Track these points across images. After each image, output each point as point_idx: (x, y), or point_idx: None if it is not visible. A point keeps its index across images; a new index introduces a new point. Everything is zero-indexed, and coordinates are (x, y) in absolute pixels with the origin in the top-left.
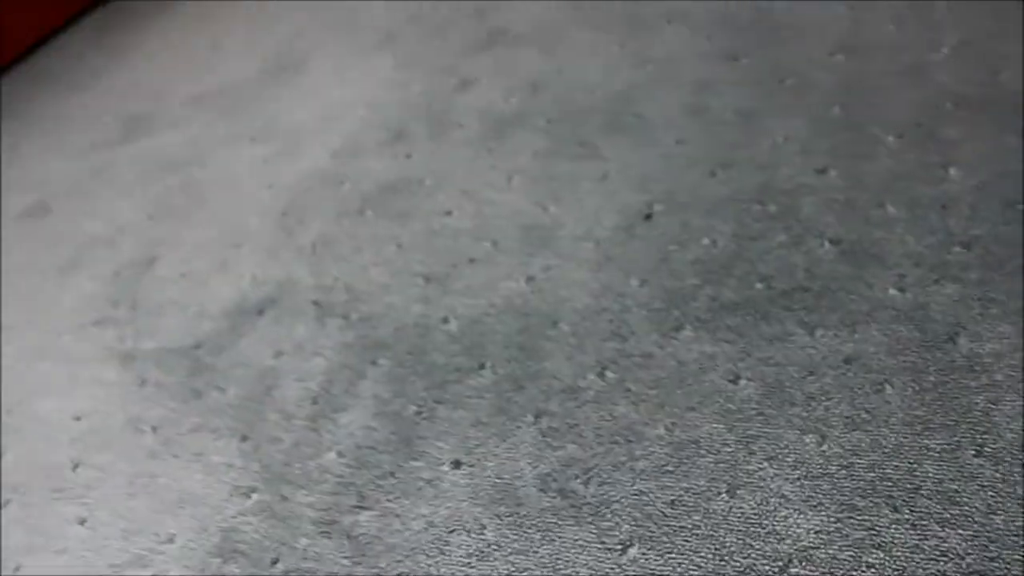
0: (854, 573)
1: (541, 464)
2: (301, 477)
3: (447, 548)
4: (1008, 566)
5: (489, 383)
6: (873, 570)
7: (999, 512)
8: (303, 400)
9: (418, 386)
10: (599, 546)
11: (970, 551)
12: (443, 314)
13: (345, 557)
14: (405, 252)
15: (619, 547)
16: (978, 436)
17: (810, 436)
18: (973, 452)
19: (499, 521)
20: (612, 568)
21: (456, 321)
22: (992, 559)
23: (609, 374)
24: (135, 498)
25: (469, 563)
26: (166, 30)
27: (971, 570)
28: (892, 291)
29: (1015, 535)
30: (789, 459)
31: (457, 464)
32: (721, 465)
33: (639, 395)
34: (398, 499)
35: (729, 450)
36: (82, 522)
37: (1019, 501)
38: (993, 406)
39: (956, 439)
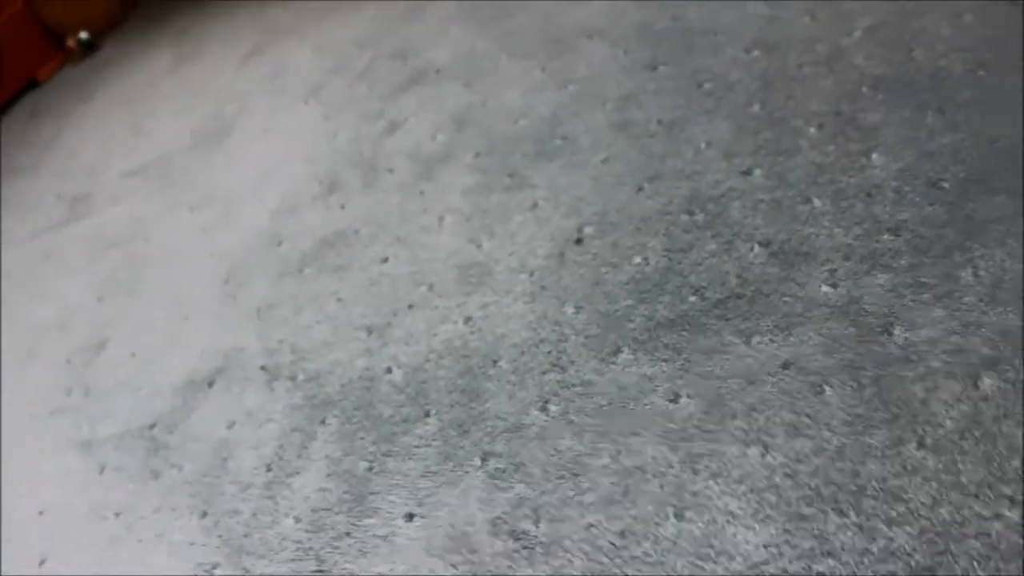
0: None
1: (491, 507)
2: (261, 547)
3: None
4: (955, 559)
5: (435, 430)
6: None
7: (944, 504)
8: (258, 468)
9: (367, 441)
10: None
11: (918, 548)
12: (386, 364)
13: None
14: (346, 306)
15: None
16: (919, 427)
17: (753, 448)
18: (915, 445)
19: (455, 571)
20: None
21: (399, 370)
22: (940, 553)
23: (551, 407)
24: None
25: None
26: (95, 111)
27: (920, 567)
28: (824, 288)
29: (961, 525)
30: (734, 474)
31: (410, 517)
32: (667, 488)
33: (582, 425)
34: (356, 559)
35: (674, 472)
36: None
37: (961, 490)
38: (931, 394)
39: (897, 433)
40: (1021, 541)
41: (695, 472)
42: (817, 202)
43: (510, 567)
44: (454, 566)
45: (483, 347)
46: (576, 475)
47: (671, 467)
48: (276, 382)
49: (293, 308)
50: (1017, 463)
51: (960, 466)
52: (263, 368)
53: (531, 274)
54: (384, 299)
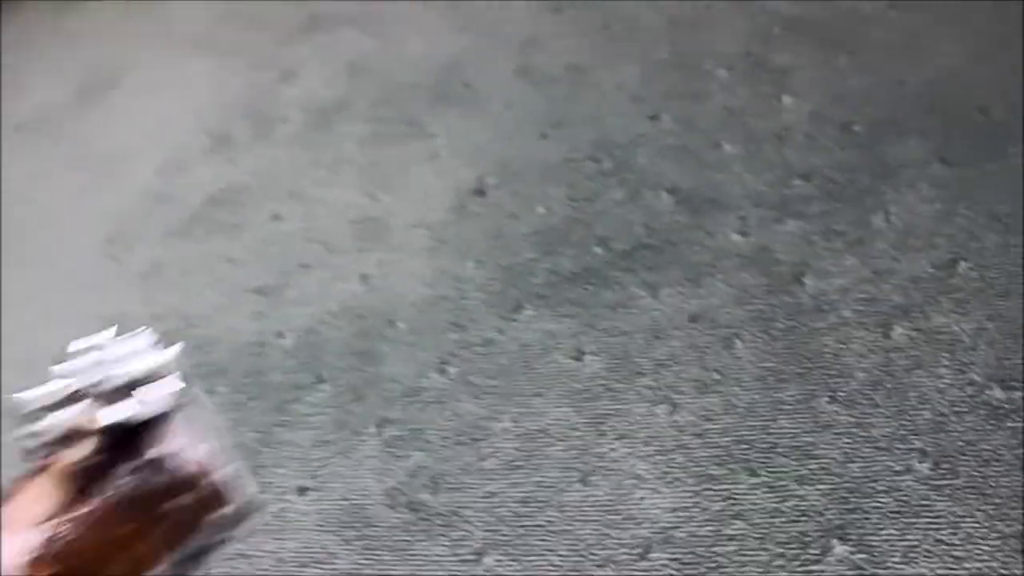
0: (716, 549)
1: (387, 477)
2: None
3: None
4: (867, 515)
5: (329, 397)
6: (734, 542)
7: (856, 459)
8: None
9: (257, 410)
10: (453, 559)
11: (829, 506)
12: (278, 328)
13: None
14: (237, 267)
15: (473, 557)
16: (831, 381)
17: (661, 407)
18: (827, 399)
19: (350, 547)
20: None
21: (291, 335)
22: (851, 511)
23: (450, 369)
24: None
25: None
26: None
27: (832, 525)
28: (734, 236)
29: (871, 481)
30: (641, 435)
31: (302, 490)
32: (572, 452)
33: (482, 388)
34: (245, 538)
35: (579, 434)
36: None
37: (873, 444)
38: (843, 345)
39: (809, 388)
40: (931, 495)
41: (601, 434)
42: (727, 147)
43: (407, 540)
44: (348, 542)
45: (380, 307)
46: (476, 440)
47: (575, 429)
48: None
49: (181, 271)
50: (928, 414)
51: (872, 420)
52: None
53: (430, 228)
54: (277, 259)
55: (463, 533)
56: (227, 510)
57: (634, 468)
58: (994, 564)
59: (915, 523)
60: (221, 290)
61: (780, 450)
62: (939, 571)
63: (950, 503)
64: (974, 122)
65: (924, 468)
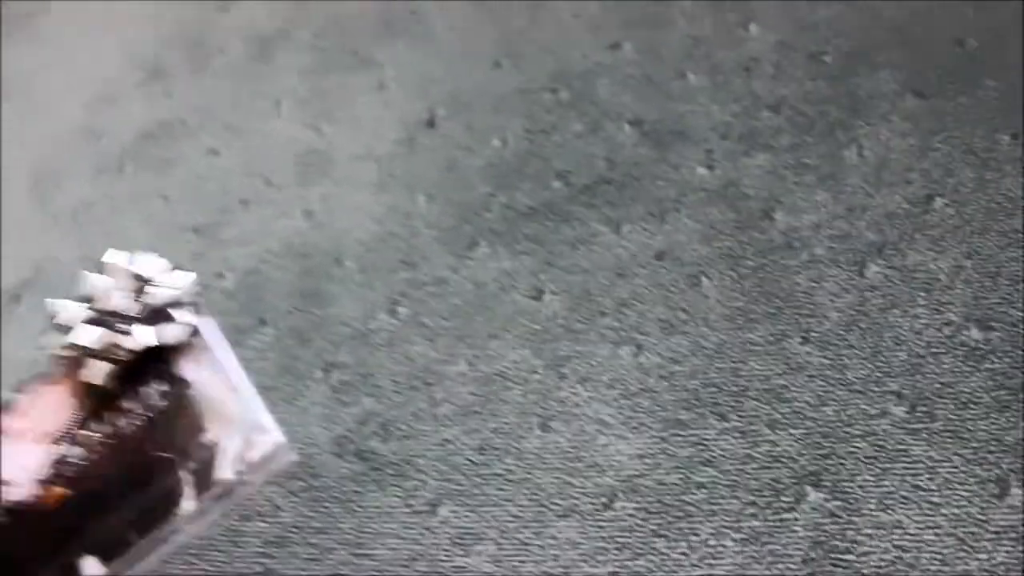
0: (685, 497)
1: (335, 425)
2: None
3: (241, 539)
4: (841, 461)
5: (272, 340)
6: (704, 490)
7: (829, 403)
8: None
9: None
10: (406, 511)
11: (803, 452)
12: (217, 269)
13: None
14: (172, 205)
15: (427, 508)
16: (803, 321)
17: (625, 348)
18: (799, 340)
19: (295, 499)
20: (422, 533)
21: (231, 275)
22: (825, 456)
23: (401, 310)
24: None
25: (266, 552)
26: None
27: (805, 471)
28: (700, 170)
29: (846, 425)
30: (604, 378)
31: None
32: (531, 396)
33: (435, 329)
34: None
35: (538, 377)
36: None
37: (847, 387)
38: (816, 284)
39: (780, 328)
40: (907, 439)
41: (561, 377)
42: (692, 78)
43: (356, 492)
44: (293, 493)
45: (325, 245)
46: (429, 385)
47: (535, 372)
48: None
49: (112, 209)
50: (904, 355)
51: (846, 361)
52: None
53: (378, 161)
54: (214, 196)
55: (416, 483)
56: (251, 449)
57: (597, 413)
58: (972, 510)
59: (891, 468)
60: (155, 229)
61: (751, 393)
62: (916, 518)
63: (927, 447)
64: (949, 54)
65: (900, 411)
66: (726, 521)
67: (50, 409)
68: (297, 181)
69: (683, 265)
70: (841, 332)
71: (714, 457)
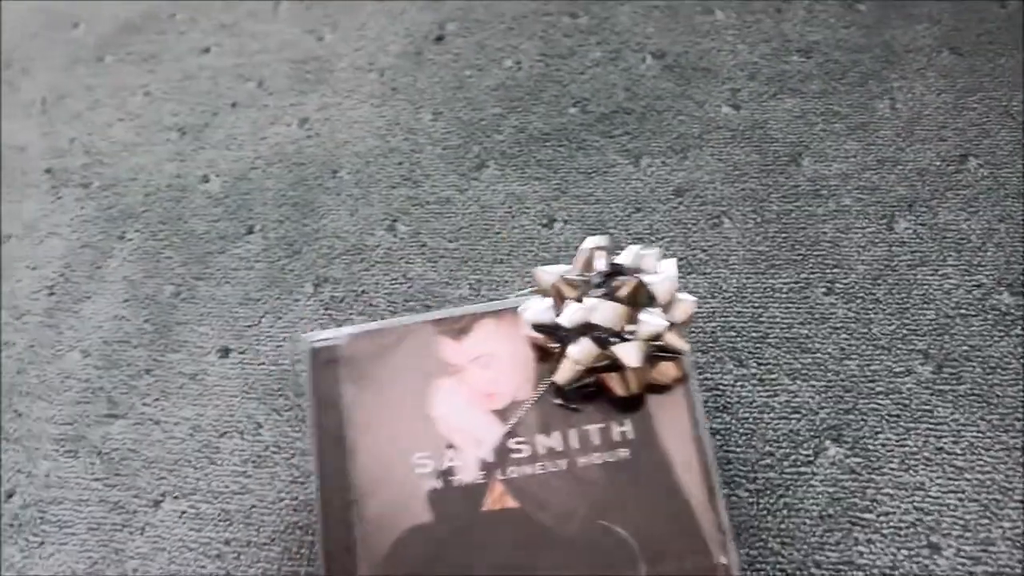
0: None
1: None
2: (39, 386)
3: (217, 456)
4: (864, 417)
5: (259, 250)
6: (718, 437)
7: (852, 356)
8: (38, 292)
9: (175, 261)
10: None
11: (824, 404)
12: (202, 172)
13: (96, 479)
14: (155, 102)
15: None
16: (828, 271)
17: None
18: (823, 290)
19: (278, 417)
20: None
21: (218, 179)
22: (847, 411)
23: (401, 227)
24: None
25: (244, 471)
26: None
27: (825, 425)
28: (725, 108)
29: (869, 380)
30: None
31: (225, 352)
32: None
33: (437, 250)
34: (157, 401)
35: None
36: None
37: (872, 342)
38: (842, 235)
39: (804, 276)
40: (933, 399)
41: None
42: (720, 14)
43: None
44: (276, 411)
45: (321, 155)
46: (428, 307)
47: None
48: (64, 189)
49: (89, 102)
50: (932, 314)
51: (871, 316)
52: (48, 172)
53: (381, 73)
54: (202, 95)
55: None
56: None
57: None
58: (997, 476)
59: (915, 429)
60: (135, 126)
61: (771, 340)
62: (939, 480)
63: (952, 410)
64: (990, 13)
65: (926, 371)
66: (740, 471)
67: (506, 371)
68: (293, 87)
69: (704, 204)
70: (867, 286)
71: (730, 403)
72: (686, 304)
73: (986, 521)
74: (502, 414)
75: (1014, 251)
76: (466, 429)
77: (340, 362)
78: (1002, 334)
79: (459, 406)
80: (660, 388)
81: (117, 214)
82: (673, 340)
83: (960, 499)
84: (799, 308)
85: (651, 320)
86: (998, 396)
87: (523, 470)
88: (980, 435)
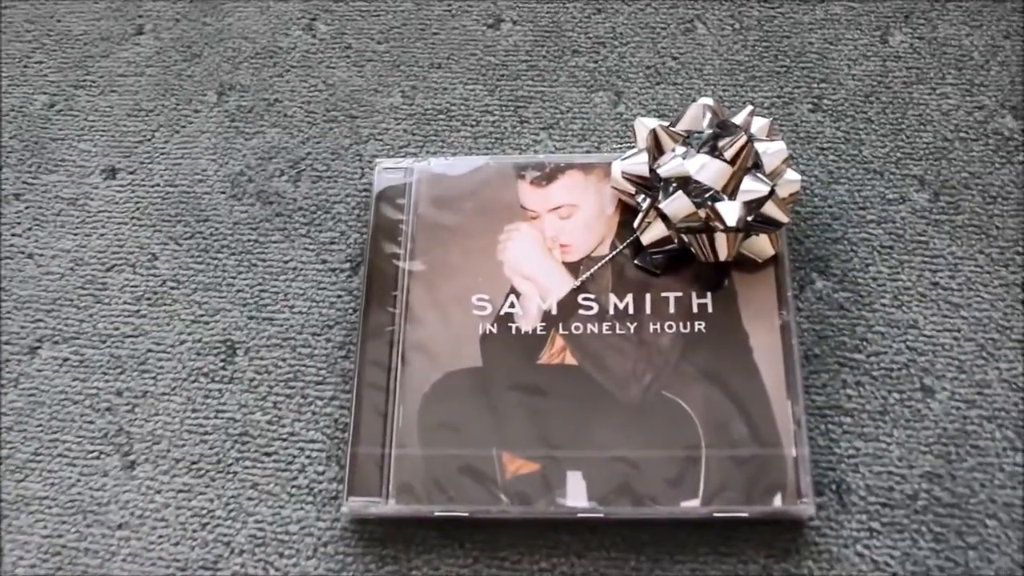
0: None
1: (231, 160)
2: None
3: (104, 294)
4: (854, 247)
5: (152, 53)
6: None
7: (841, 180)
8: None
9: (50, 66)
10: (320, 267)
11: (809, 232)
12: None
13: None
14: None
15: (349, 268)
16: (815, 86)
17: (601, 94)
18: (809, 106)
19: (176, 247)
20: (339, 296)
21: None
22: (835, 240)
23: (321, 26)
24: None
25: (137, 310)
26: None
27: (811, 255)
28: None
29: (860, 208)
30: (575, 126)
31: (111, 172)
32: (483, 138)
33: (363, 53)
34: (29, 231)
35: (492, 120)
36: None
37: (863, 165)
38: (831, 46)
39: (788, 91)
40: (929, 230)
41: (521, 121)
42: None
43: (256, 242)
44: (174, 239)
45: None
46: (354, 118)
47: (488, 113)
48: None
49: None
50: (929, 137)
51: (862, 136)
52: None
53: None
54: None
55: (334, 235)
56: None
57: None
58: (995, 314)
59: (908, 262)
60: None
61: None
62: (933, 318)
63: (949, 242)
64: None
65: (922, 199)
66: None
67: (586, 225)
68: None
69: (675, 6)
70: (858, 103)
71: None
72: (791, 183)
73: (982, 362)
74: (574, 268)
75: (1019, 71)
76: (534, 277)
77: (409, 189)
78: (1004, 160)
79: (530, 253)
80: (750, 266)
81: None
82: (773, 211)
83: (955, 338)
84: (782, 126)
85: (755, 185)
86: (998, 228)
87: (588, 327)
88: (978, 269)
